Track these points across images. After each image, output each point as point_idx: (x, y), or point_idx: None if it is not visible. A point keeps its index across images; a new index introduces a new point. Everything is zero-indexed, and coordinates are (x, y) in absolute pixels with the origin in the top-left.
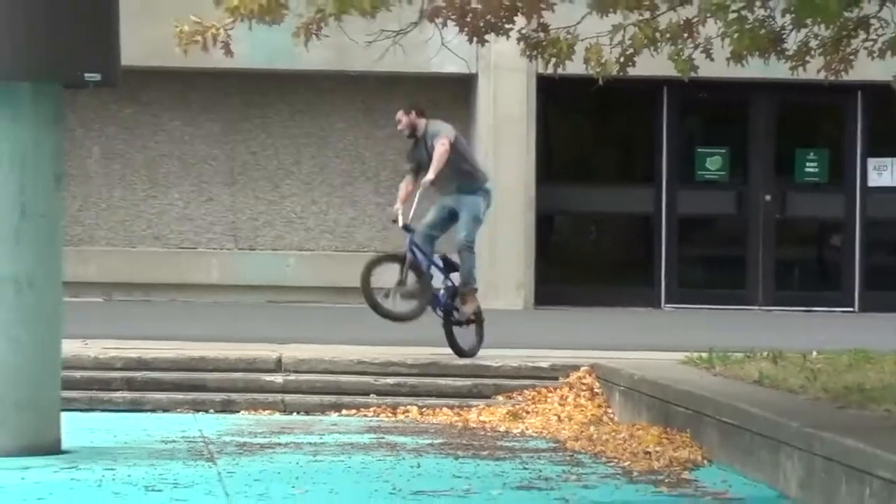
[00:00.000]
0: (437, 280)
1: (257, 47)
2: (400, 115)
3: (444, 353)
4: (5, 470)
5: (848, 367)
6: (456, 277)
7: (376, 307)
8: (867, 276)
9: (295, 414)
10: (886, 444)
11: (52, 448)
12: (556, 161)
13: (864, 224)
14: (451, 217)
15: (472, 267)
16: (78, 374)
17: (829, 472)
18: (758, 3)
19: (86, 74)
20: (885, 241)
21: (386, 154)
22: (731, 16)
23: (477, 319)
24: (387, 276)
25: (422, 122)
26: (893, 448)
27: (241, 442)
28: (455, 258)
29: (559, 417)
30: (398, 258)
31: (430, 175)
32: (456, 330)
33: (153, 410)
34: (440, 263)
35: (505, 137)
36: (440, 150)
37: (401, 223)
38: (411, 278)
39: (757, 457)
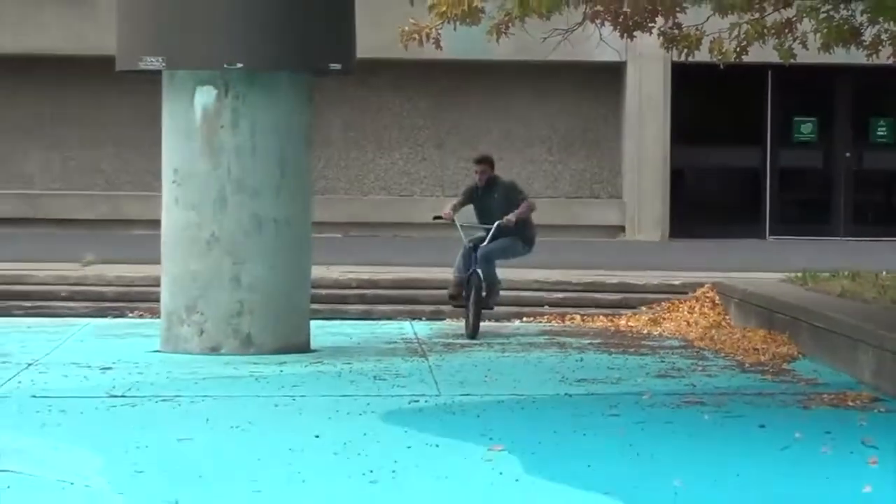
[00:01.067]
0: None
1: (459, 42)
2: (481, 167)
3: (601, 274)
4: (267, 364)
5: None
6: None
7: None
8: None
9: (488, 321)
10: None
11: (302, 347)
12: (686, 128)
13: None
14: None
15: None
16: (322, 291)
17: None
18: (842, 6)
19: (330, 65)
20: None
21: (555, 124)
22: (822, 16)
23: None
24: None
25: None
26: None
27: (446, 343)
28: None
29: (688, 323)
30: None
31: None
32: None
33: (379, 319)
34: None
35: (647, 110)
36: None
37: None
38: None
39: (840, 352)
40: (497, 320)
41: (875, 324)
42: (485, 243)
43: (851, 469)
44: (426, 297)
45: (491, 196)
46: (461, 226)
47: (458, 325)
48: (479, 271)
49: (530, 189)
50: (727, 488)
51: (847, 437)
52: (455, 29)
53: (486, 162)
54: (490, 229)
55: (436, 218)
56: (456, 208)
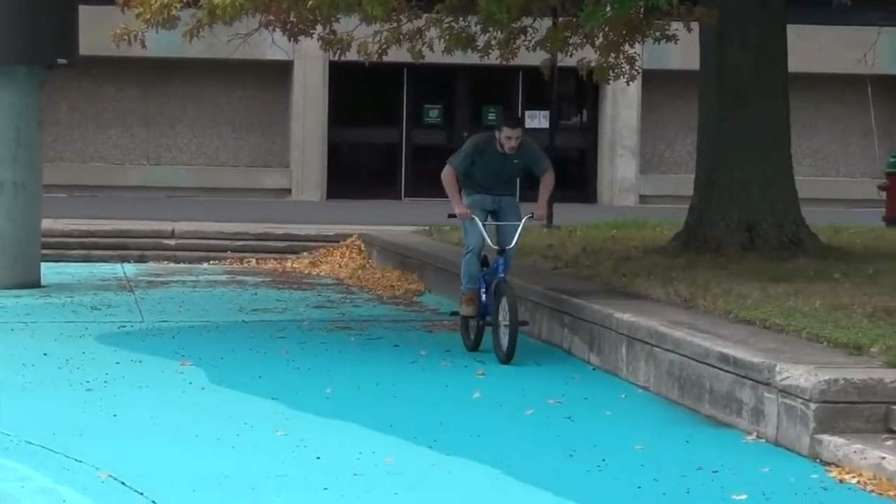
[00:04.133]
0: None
1: (160, 42)
2: (518, 132)
3: (272, 226)
4: (5, 297)
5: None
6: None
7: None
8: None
9: (182, 263)
10: (532, 280)
11: (35, 284)
12: (341, 112)
13: None
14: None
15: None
16: (51, 239)
17: None
18: (461, 18)
19: (58, 59)
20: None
21: (238, 108)
22: (445, 25)
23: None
24: None
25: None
26: (534, 281)
27: (149, 280)
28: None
29: (340, 265)
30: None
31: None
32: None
33: (96, 262)
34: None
35: (310, 98)
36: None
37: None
38: None
39: (454, 288)
40: (189, 263)
41: None
42: (512, 244)
43: (464, 379)
44: (134, 244)
45: (511, 161)
46: (484, 225)
47: (159, 266)
48: (508, 280)
49: (216, 160)
50: (368, 393)
51: (461, 354)
52: (157, 32)
53: (522, 127)
54: (517, 225)
55: (450, 216)
56: (460, 182)
